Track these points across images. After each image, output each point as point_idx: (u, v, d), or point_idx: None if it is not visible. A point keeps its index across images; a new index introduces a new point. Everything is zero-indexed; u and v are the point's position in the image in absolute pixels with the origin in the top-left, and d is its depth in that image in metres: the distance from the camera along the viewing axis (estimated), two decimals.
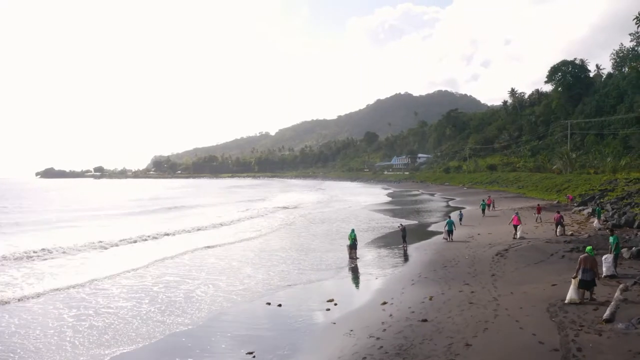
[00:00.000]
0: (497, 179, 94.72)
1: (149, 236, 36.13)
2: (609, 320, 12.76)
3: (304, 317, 16.48)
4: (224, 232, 39.54)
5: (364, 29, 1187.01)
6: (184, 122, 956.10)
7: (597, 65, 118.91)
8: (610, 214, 34.61)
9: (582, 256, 15.33)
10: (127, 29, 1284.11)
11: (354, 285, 22.02)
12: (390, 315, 15.51)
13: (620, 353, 10.95)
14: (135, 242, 33.97)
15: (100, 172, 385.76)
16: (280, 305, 17.69)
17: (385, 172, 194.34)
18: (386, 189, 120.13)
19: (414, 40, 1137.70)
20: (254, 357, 12.96)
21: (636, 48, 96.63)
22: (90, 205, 75.34)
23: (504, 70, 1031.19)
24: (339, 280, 22.17)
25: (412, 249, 28.80)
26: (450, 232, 30.81)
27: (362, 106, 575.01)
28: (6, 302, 18.51)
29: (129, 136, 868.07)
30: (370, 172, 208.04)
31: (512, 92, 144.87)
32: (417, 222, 44.67)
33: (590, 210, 38.78)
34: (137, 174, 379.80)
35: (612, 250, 18.86)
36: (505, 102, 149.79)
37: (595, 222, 32.02)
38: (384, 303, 17.06)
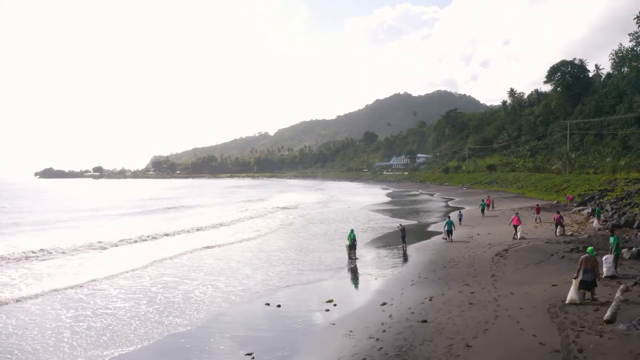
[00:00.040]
0: (497, 179, 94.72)
1: (147, 236, 36.09)
2: (610, 321, 12.69)
3: (303, 317, 16.40)
4: (223, 233, 39.47)
5: (363, 29, 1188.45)
6: (183, 122, 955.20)
7: (596, 66, 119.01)
8: (610, 214, 34.56)
9: (583, 256, 15.26)
10: (126, 29, 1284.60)
11: (354, 285, 21.94)
12: (390, 316, 15.43)
13: (621, 354, 10.88)
14: (134, 242, 33.93)
15: (99, 172, 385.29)
16: (279, 305, 17.62)
17: (385, 172, 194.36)
18: (385, 189, 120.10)
19: (413, 40, 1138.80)
20: (253, 358, 12.89)
21: (635, 48, 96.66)
22: (89, 205, 75.17)
23: (503, 70, 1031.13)
24: (338, 281, 22.09)
25: (411, 249, 28.73)
26: (449, 232, 30.74)
27: (361, 106, 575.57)
28: (4, 303, 18.42)
29: (128, 136, 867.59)
30: (370, 172, 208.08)
31: (511, 92, 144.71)
32: (416, 222, 44.61)
33: (589, 210, 38.74)
34: (136, 174, 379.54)
35: (613, 250, 18.78)
36: (504, 102, 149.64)
37: (595, 222, 31.97)
38: (384, 304, 16.99)
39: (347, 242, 26.58)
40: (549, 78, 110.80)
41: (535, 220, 37.16)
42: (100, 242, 32.90)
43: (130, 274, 23.43)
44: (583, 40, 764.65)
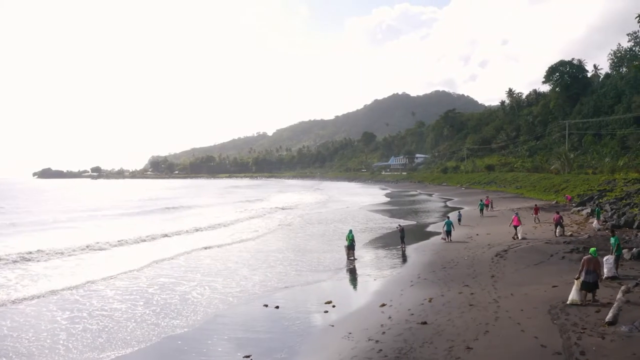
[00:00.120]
0: (495, 179, 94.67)
1: (146, 237, 35.88)
2: (612, 323, 12.56)
3: (302, 319, 16.24)
4: (221, 233, 39.29)
5: (361, 29, 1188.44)
6: (181, 123, 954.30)
7: (594, 66, 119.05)
8: (610, 214, 34.45)
9: (585, 257, 15.13)
10: (124, 29, 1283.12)
11: (352, 286, 21.79)
12: (389, 317, 15.28)
13: (624, 356, 10.76)
14: (131, 243, 33.71)
15: (98, 173, 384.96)
16: (277, 307, 17.45)
17: (383, 173, 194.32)
18: (384, 189, 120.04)
19: (412, 40, 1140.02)
20: None
21: (634, 48, 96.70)
22: (87, 205, 74.93)
23: (501, 70, 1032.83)
24: (337, 282, 21.93)
25: (410, 249, 28.59)
26: (448, 232, 30.60)
27: (360, 106, 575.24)
28: None
29: (127, 136, 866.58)
30: (368, 172, 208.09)
31: (510, 92, 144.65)
32: (415, 222, 44.48)
33: (589, 210, 38.65)
34: (134, 174, 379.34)
35: (614, 251, 18.67)
36: (502, 102, 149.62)
37: (594, 222, 31.86)
38: (383, 305, 16.83)
39: (346, 243, 26.44)
40: (548, 78, 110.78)
41: (535, 221, 37.05)
42: (97, 242, 32.71)
43: (127, 275, 23.22)
44: (582, 41, 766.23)
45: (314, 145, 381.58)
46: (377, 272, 23.15)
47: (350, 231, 26.94)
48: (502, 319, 13.93)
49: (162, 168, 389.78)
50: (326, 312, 16.78)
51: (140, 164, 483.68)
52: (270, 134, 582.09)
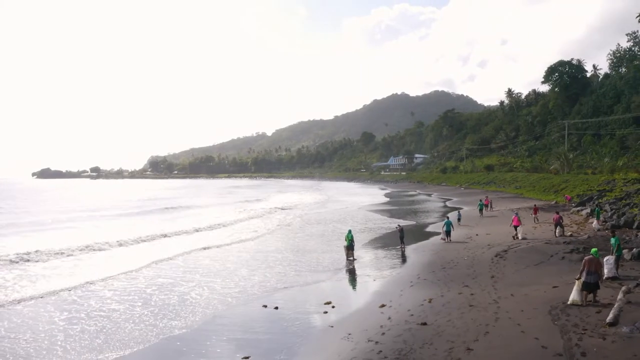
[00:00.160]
0: (494, 179, 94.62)
1: (145, 237, 35.78)
2: (613, 324, 12.48)
3: (301, 320, 16.16)
4: (220, 233, 39.21)
5: (360, 29, 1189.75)
6: (180, 122, 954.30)
7: (594, 66, 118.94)
8: (609, 214, 34.38)
9: (587, 258, 15.05)
10: (124, 29, 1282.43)
11: (352, 287, 21.72)
12: (389, 318, 15.21)
13: (625, 357, 10.68)
14: (130, 243, 33.61)
15: (97, 173, 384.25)
16: (276, 307, 17.37)
17: (382, 173, 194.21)
18: (383, 189, 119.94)
19: (411, 40, 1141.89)
20: None
21: (633, 48, 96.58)
22: (87, 205, 74.80)
23: (500, 70, 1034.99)
24: (336, 282, 21.85)
25: (410, 250, 28.52)
26: (448, 232, 30.53)
27: (359, 106, 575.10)
28: None
29: (126, 136, 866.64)
30: (367, 172, 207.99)
31: (509, 93, 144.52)
32: (414, 222, 44.41)
33: (588, 210, 38.58)
34: (133, 174, 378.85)
35: (614, 251, 18.60)
36: (502, 103, 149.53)
37: (594, 222, 31.79)
38: (382, 306, 16.76)
39: (345, 243, 26.37)
40: (547, 78, 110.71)
41: (534, 221, 36.99)
42: (96, 243, 32.60)
43: (125, 276, 23.14)
44: (581, 41, 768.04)
45: (313, 145, 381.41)
46: (376, 273, 23.08)
47: (350, 231, 26.88)
48: (502, 320, 13.87)
49: (161, 168, 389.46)
50: (325, 312, 16.71)
51: (139, 164, 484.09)
52: (269, 134, 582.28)
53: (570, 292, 15.16)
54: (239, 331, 15.23)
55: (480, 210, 45.89)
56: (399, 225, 31.93)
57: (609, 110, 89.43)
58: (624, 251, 20.97)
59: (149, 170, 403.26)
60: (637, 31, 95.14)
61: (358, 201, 75.98)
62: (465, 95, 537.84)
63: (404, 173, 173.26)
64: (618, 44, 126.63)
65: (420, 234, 35.96)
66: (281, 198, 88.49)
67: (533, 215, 38.46)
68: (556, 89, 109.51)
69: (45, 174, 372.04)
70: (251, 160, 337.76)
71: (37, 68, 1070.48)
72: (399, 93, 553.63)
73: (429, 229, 38.78)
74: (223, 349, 13.77)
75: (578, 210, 41.27)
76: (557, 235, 29.25)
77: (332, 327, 15.15)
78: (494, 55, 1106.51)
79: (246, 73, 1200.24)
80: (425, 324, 14.20)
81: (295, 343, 13.98)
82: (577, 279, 14.83)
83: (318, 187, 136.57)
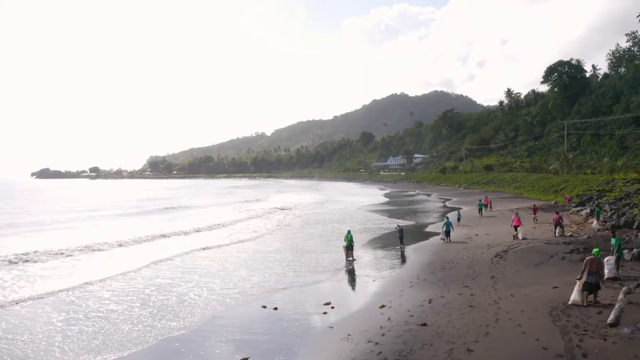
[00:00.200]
0: (494, 179, 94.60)
1: (144, 238, 35.71)
2: (614, 325, 12.41)
3: (301, 320, 16.09)
4: (219, 234, 39.12)
5: (360, 29, 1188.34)
6: (179, 123, 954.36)
7: (593, 66, 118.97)
8: (609, 214, 34.32)
9: (588, 258, 14.98)
10: (123, 29, 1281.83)
11: (351, 287, 21.64)
12: (389, 319, 15.14)
13: (626, 359, 10.60)
14: (129, 243, 33.52)
15: (96, 173, 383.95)
16: (276, 308, 17.29)
17: (382, 173, 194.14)
18: (382, 189, 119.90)
19: (410, 40, 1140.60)
20: None
21: (632, 48, 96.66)
22: (86, 206, 74.70)
23: (499, 70, 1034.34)
24: (335, 283, 21.78)
25: (409, 250, 28.46)
26: (447, 233, 30.47)
27: (358, 106, 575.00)
28: None
29: (125, 136, 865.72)
30: (367, 172, 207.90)
31: (508, 93, 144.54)
32: (414, 222, 44.35)
33: (588, 210, 38.53)
34: (132, 175, 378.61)
35: (615, 252, 18.54)
36: (501, 103, 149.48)
37: (594, 222, 31.72)
38: (382, 306, 16.69)
39: (344, 243, 26.29)
40: (546, 78, 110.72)
41: (534, 221, 36.93)
42: (95, 243, 32.53)
43: (123, 276, 23.07)
44: (580, 41, 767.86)
45: (312, 145, 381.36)
46: (376, 273, 23.00)
47: (349, 231, 26.81)
48: (502, 321, 13.80)
49: (160, 168, 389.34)
50: (325, 313, 16.64)
51: (138, 164, 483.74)
52: (268, 134, 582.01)
53: (571, 292, 15.11)
54: (238, 332, 15.16)
55: (480, 210, 45.84)
56: (398, 225, 31.89)
57: (608, 110, 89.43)
58: (624, 251, 20.91)
59: (148, 170, 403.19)
60: (637, 31, 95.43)
61: (357, 201, 75.92)
62: (464, 95, 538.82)
63: (403, 173, 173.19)
64: (617, 44, 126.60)
65: (419, 234, 35.89)
66: (280, 198, 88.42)
67: (532, 215, 38.42)
68: (555, 89, 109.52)
69: (44, 174, 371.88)
70: (250, 161, 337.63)
71: (37, 68, 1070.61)
72: (398, 93, 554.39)
73: (429, 229, 38.72)
74: (222, 350, 13.70)
75: (578, 211, 41.22)
76: (557, 235, 29.19)
77: (331, 328, 15.08)
78: (494, 55, 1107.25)
79: (245, 73, 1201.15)
80: (425, 324, 14.13)
81: (295, 344, 13.90)
82: (579, 279, 14.77)
83: (317, 187, 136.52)
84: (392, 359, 11.75)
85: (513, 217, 31.17)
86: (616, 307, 13.35)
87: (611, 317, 12.75)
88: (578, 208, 42.40)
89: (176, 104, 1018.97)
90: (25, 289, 20.66)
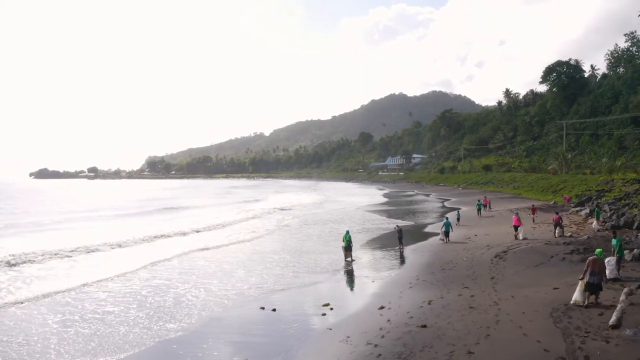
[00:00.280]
0: (492, 179, 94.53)
1: (142, 238, 35.53)
2: (616, 326, 12.28)
3: (299, 322, 15.93)
4: (217, 234, 38.94)
5: (358, 29, 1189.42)
6: (178, 123, 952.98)
7: (591, 66, 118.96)
8: (609, 214, 34.21)
9: (590, 258, 14.85)
10: (122, 29, 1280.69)
11: (350, 288, 21.48)
12: (388, 320, 14.99)
13: None
14: (127, 244, 33.33)
15: (94, 173, 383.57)
16: (274, 309, 17.12)
17: (380, 173, 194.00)
18: (381, 189, 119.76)
19: (409, 40, 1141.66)
20: None
21: (631, 48, 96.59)
22: (84, 206, 74.47)
23: (498, 70, 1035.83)
24: (334, 284, 21.63)
25: (408, 250, 28.31)
26: (447, 233, 30.34)
27: (357, 107, 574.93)
28: None
29: (123, 136, 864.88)
30: (365, 172, 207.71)
31: (507, 93, 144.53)
32: (413, 223, 44.20)
33: (587, 211, 38.42)
34: (131, 175, 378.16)
35: (615, 252, 18.42)
36: (499, 103, 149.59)
37: (594, 223, 31.59)
38: (382, 307, 16.55)
39: (343, 244, 26.12)
40: (545, 78, 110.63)
41: (533, 221, 36.81)
42: (93, 244, 32.32)
43: (120, 277, 22.89)
44: (579, 41, 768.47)
45: (311, 145, 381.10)
46: (375, 274, 22.85)
47: (347, 232, 26.62)
48: (503, 322, 13.66)
49: (158, 168, 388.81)
50: (324, 314, 16.48)
51: (137, 164, 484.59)
52: (267, 134, 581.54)
53: (571, 293, 15.01)
54: (236, 334, 15.00)
55: (479, 210, 45.73)
56: (397, 225, 31.77)
57: (607, 110, 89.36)
58: (625, 252, 20.78)
59: (147, 170, 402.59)
60: (635, 31, 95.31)
61: (356, 201, 75.78)
62: (463, 95, 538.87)
63: (401, 173, 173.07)
64: (616, 44, 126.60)
65: (418, 234, 35.76)
66: (279, 198, 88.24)
67: (531, 215, 38.31)
68: (554, 89, 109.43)
69: (42, 174, 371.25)
70: (249, 161, 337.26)
71: (35, 68, 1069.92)
72: (396, 93, 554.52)
73: (428, 229, 38.58)
74: (220, 352, 13.54)
75: (577, 211, 41.11)
76: (556, 235, 29.07)
77: (330, 329, 14.93)
78: (492, 55, 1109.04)
79: (244, 73, 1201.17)
80: (425, 326, 13.98)
81: (293, 346, 13.75)
82: (581, 279, 14.64)
83: (316, 188, 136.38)
84: None
85: (513, 217, 31.04)
86: (618, 308, 13.23)
87: (613, 318, 12.62)
88: (577, 208, 42.30)
89: (175, 104, 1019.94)
90: (21, 290, 20.50)
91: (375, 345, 12.83)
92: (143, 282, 21.92)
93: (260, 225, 45.27)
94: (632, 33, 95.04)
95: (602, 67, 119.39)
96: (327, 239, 34.86)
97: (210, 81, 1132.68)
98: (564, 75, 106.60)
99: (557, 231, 29.44)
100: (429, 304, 16.41)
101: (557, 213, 32.03)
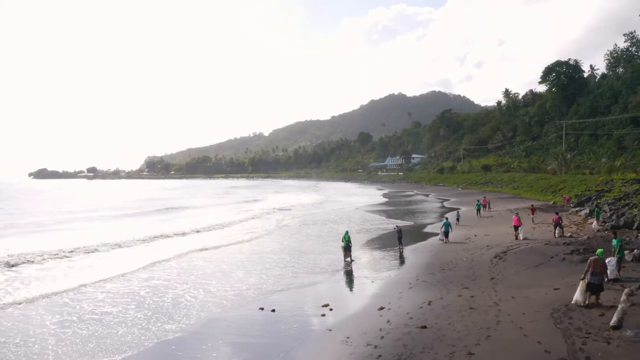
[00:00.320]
0: (492, 179, 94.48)
1: (141, 239, 35.40)
2: (617, 327, 12.21)
3: (299, 323, 15.84)
4: (216, 235, 38.84)
5: (358, 29, 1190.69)
6: (177, 123, 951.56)
7: (591, 66, 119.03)
8: (609, 215, 34.14)
9: (592, 258, 14.78)
10: (121, 29, 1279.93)
11: (349, 289, 21.40)
12: (388, 321, 14.91)
13: None
14: (126, 245, 33.19)
15: (94, 173, 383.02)
16: (273, 310, 17.03)
17: (379, 173, 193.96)
18: (380, 189, 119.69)
19: (408, 40, 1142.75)
20: None
21: (630, 48, 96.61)
22: (83, 206, 74.29)
23: (497, 70, 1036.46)
24: (333, 284, 21.55)
25: (408, 251, 28.24)
26: (446, 233, 30.27)
27: (356, 107, 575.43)
28: None
29: (122, 137, 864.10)
30: (364, 172, 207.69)
31: (506, 93, 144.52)
32: (412, 223, 44.13)
33: (587, 211, 38.36)
34: (130, 175, 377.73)
35: (616, 253, 18.35)
36: (499, 103, 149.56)
37: (594, 223, 31.52)
38: (381, 308, 16.47)
39: (342, 244, 26.04)
40: (544, 78, 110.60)
41: (532, 221, 36.74)
42: (92, 244, 32.18)
43: (119, 278, 22.78)
44: (578, 41, 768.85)
45: (310, 145, 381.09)
46: (374, 274, 22.77)
47: (347, 232, 26.50)
48: (503, 323, 13.58)
49: (158, 168, 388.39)
50: (323, 315, 16.40)
51: (136, 164, 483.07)
52: (266, 134, 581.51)
53: (572, 294, 14.95)
54: (235, 334, 14.91)
55: (478, 210, 45.66)
56: (397, 226, 31.70)
57: (606, 110, 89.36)
58: (625, 252, 20.71)
59: (146, 170, 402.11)
60: (635, 31, 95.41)
61: (355, 202, 75.72)
62: (462, 95, 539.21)
63: (401, 173, 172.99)
64: (615, 44, 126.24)
65: (418, 234, 35.69)
66: (278, 199, 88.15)
67: (531, 215, 38.23)
68: (553, 89, 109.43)
69: (41, 174, 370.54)
70: (248, 161, 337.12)
71: (35, 68, 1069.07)
72: (396, 93, 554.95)
73: (427, 229, 38.51)
74: (219, 353, 13.45)
75: (577, 211, 41.05)
76: (556, 236, 28.99)
77: (330, 330, 14.85)
78: (492, 55, 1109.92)
79: (243, 73, 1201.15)
80: (425, 327, 13.91)
81: (293, 347, 13.66)
82: (582, 279, 14.57)
83: (315, 188, 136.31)
84: None
85: (513, 217, 30.97)
86: (619, 309, 13.16)
87: (614, 319, 12.55)
88: (577, 208, 42.24)
89: (174, 104, 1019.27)
90: (19, 291, 20.39)
91: (375, 347, 12.75)
92: (141, 283, 21.83)
93: (259, 225, 45.18)
94: (631, 33, 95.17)
95: (601, 67, 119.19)
96: (326, 239, 34.78)
97: (209, 81, 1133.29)
98: (564, 76, 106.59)
99: (557, 231, 29.37)
100: (429, 304, 16.33)
101: (557, 213, 31.96)
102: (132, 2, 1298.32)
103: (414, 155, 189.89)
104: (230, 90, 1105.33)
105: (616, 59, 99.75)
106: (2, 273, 23.88)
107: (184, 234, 38.93)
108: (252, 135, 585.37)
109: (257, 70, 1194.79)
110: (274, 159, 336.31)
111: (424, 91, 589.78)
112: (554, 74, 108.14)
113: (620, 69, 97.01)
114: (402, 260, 25.93)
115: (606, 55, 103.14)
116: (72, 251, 29.85)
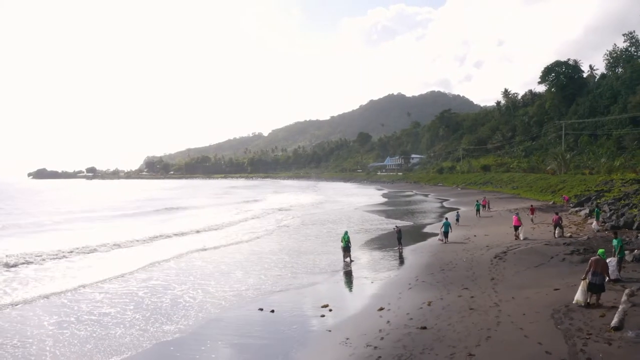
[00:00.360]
0: (491, 179, 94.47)
1: (140, 239, 35.29)
2: (618, 328, 12.13)
3: (298, 323, 15.78)
4: (216, 235, 38.74)
5: (357, 29, 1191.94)
6: (176, 123, 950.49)
7: (590, 66, 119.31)
8: (609, 215, 34.08)
9: (593, 258, 14.72)
10: (121, 29, 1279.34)
11: (349, 289, 21.32)
12: (388, 322, 14.84)
13: None
14: (125, 245, 33.09)
15: (93, 173, 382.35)
16: (272, 311, 16.96)
17: (379, 173, 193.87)
18: (380, 189, 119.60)
19: (407, 40, 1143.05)
20: None
21: (629, 48, 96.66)
22: (83, 207, 74.15)
23: (497, 71, 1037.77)
24: (333, 284, 21.49)
25: (407, 251, 28.17)
26: (446, 233, 30.21)
27: (355, 107, 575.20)
28: None
29: (122, 137, 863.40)
30: (364, 172, 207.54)
31: (505, 93, 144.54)
32: (412, 223, 44.06)
33: (587, 211, 38.30)
34: (129, 175, 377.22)
35: (616, 253, 18.28)
36: (498, 103, 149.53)
37: (594, 223, 31.44)
38: (381, 309, 16.40)
39: (342, 244, 25.96)
40: (543, 78, 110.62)
41: (532, 221, 36.69)
42: (91, 245, 32.06)
43: (118, 278, 22.70)
44: (577, 41, 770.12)
45: (309, 145, 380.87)
46: (374, 275, 22.70)
47: (346, 232, 26.41)
48: (504, 324, 13.51)
49: (157, 168, 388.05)
50: (323, 316, 16.33)
51: (135, 164, 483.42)
52: (265, 134, 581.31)
53: (572, 294, 14.89)
54: (234, 335, 14.83)
55: (478, 210, 45.60)
56: (396, 226, 31.64)
57: (606, 110, 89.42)
58: (625, 252, 20.64)
59: (145, 170, 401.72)
60: (634, 31, 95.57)
61: (355, 202, 75.65)
62: (461, 95, 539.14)
63: (400, 173, 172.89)
64: (614, 44, 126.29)
65: (417, 234, 35.62)
66: (277, 199, 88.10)
67: (530, 216, 38.16)
68: (553, 89, 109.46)
69: (41, 174, 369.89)
70: (247, 161, 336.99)
71: (34, 68, 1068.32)
72: (395, 93, 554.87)
73: (427, 229, 38.45)
74: (218, 354, 13.38)
75: (576, 211, 41.00)
76: (556, 236, 28.92)
77: (329, 331, 14.78)
78: (491, 55, 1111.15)
79: (243, 73, 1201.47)
80: (425, 328, 13.84)
81: (292, 348, 13.59)
82: (583, 279, 14.51)
83: (314, 188, 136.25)
84: None
85: (513, 217, 30.92)
86: (620, 309, 13.09)
87: (615, 320, 12.48)
88: (577, 208, 42.18)
89: (173, 104, 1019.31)
90: (17, 291, 20.30)
91: (375, 347, 12.68)
92: (140, 283, 21.75)
93: (258, 225, 45.10)
94: (630, 33, 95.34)
95: (600, 67, 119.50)
96: (325, 239, 34.71)
97: (209, 81, 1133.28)
98: (563, 76, 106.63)
99: (556, 231, 29.29)
100: (429, 305, 16.27)
101: (556, 213, 31.90)
102: (132, 2, 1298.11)
103: (413, 156, 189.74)
104: (230, 90, 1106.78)
105: (615, 59, 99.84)
106: (1, 273, 23.79)
107: (183, 234, 38.85)
108: (251, 135, 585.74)
109: (256, 70, 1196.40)
110: (273, 159, 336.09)
111: (423, 91, 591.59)
112: (553, 74, 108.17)
113: (620, 69, 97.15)
114: (401, 261, 25.86)
115: (605, 55, 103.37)
116: (70, 251, 29.75)
